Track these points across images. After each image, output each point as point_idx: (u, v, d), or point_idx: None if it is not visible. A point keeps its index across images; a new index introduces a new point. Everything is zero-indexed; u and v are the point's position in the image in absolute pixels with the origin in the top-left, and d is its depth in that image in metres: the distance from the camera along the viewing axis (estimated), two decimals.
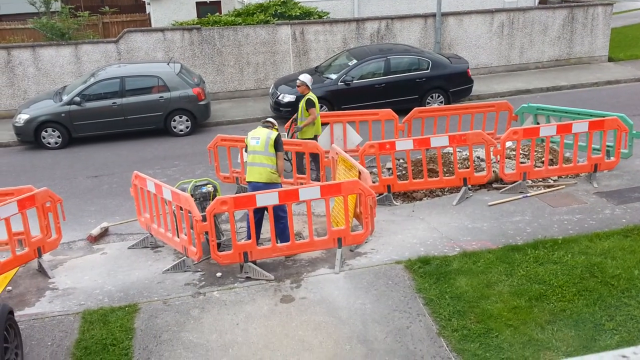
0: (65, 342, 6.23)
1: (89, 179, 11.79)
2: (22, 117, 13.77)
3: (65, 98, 13.92)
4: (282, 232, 7.51)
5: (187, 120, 14.40)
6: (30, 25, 20.65)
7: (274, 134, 7.85)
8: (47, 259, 7.97)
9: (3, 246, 7.65)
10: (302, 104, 10.44)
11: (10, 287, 7.46)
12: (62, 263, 8.16)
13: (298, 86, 10.59)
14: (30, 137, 13.82)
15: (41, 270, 7.76)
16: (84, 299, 7.05)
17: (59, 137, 13.85)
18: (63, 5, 22.79)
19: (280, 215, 7.46)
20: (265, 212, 7.59)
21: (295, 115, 10.87)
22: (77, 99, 13.79)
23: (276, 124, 8.17)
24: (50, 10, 21.34)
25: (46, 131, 13.79)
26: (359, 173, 7.79)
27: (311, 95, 10.43)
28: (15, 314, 6.13)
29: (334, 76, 14.94)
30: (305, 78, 10.47)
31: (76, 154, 13.47)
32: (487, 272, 6.99)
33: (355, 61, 15.09)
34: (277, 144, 7.81)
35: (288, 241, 7.36)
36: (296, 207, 8.87)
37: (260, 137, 7.84)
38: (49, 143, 13.85)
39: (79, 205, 10.31)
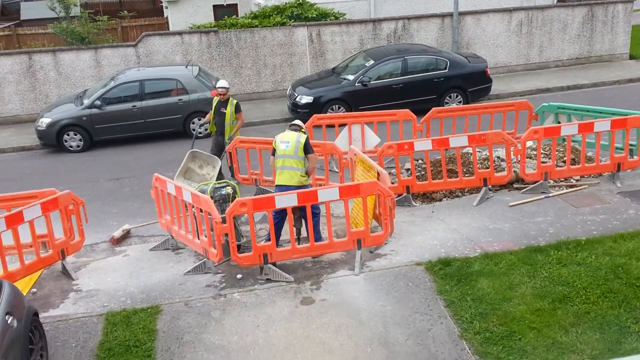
0: (89, 343, 6.31)
1: (110, 181, 11.92)
2: (44, 121, 13.97)
3: (86, 102, 14.10)
4: (315, 226, 7.59)
5: None
6: (50, 30, 20.94)
7: (303, 137, 7.88)
8: (70, 261, 8.08)
9: (27, 248, 7.75)
10: (230, 108, 10.80)
11: (34, 289, 7.57)
12: (86, 265, 8.26)
13: (223, 94, 10.85)
14: (53, 140, 14.01)
15: (65, 272, 7.86)
16: (107, 301, 7.13)
17: (80, 140, 14.03)
18: (82, 10, 23.04)
19: (314, 212, 7.55)
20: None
21: (206, 118, 11.37)
22: (98, 102, 13.96)
23: (303, 126, 8.21)
24: (70, 15, 21.64)
25: (68, 134, 13.98)
26: (378, 174, 7.77)
27: (235, 100, 10.98)
28: (40, 316, 6.22)
29: (351, 77, 14.92)
30: (227, 84, 11.00)
31: (97, 157, 13.62)
32: (509, 273, 6.93)
33: (372, 62, 15.06)
34: (307, 147, 7.85)
35: (322, 239, 7.46)
36: None
37: (289, 140, 7.85)
38: (70, 146, 14.04)
39: (101, 207, 10.42)
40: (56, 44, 20.68)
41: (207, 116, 11.38)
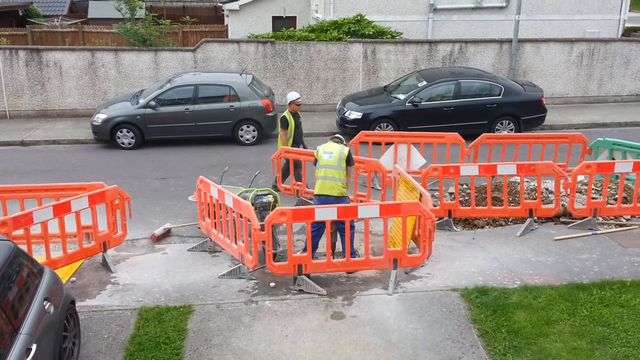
0: (120, 336, 6.43)
1: (157, 180, 12.20)
2: (100, 117, 14.45)
3: (142, 101, 14.52)
4: (350, 240, 7.55)
5: (254, 130, 14.69)
6: (115, 30, 21.71)
7: (346, 149, 7.98)
8: (111, 254, 8.28)
9: (71, 238, 8.00)
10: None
11: (74, 278, 7.79)
12: (125, 259, 8.45)
13: (298, 105, 10.83)
14: (106, 136, 14.47)
15: (105, 265, 8.07)
16: (142, 296, 7.27)
17: (132, 138, 14.44)
18: (147, 13, 23.82)
19: (352, 225, 7.52)
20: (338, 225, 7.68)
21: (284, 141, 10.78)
22: (153, 103, 14.35)
23: (344, 140, 8.27)
24: (135, 17, 22.38)
25: (121, 131, 14.40)
26: (420, 195, 7.69)
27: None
28: (76, 305, 6.38)
29: (402, 96, 14.87)
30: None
31: (147, 155, 13.98)
32: (548, 308, 6.71)
33: (425, 82, 14.97)
34: (349, 159, 7.97)
35: (356, 255, 7.46)
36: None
37: (333, 151, 7.95)
38: (123, 143, 14.46)
39: (145, 204, 10.67)
40: (119, 43, 21.43)
41: (283, 138, 10.68)
